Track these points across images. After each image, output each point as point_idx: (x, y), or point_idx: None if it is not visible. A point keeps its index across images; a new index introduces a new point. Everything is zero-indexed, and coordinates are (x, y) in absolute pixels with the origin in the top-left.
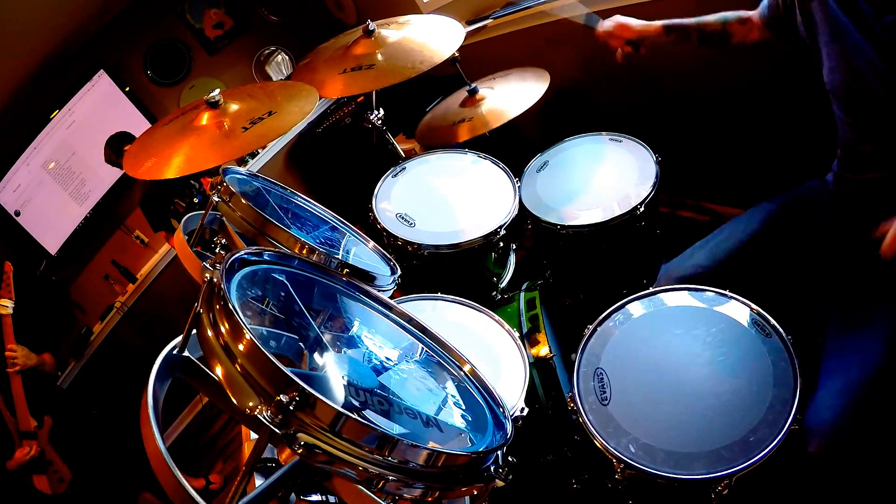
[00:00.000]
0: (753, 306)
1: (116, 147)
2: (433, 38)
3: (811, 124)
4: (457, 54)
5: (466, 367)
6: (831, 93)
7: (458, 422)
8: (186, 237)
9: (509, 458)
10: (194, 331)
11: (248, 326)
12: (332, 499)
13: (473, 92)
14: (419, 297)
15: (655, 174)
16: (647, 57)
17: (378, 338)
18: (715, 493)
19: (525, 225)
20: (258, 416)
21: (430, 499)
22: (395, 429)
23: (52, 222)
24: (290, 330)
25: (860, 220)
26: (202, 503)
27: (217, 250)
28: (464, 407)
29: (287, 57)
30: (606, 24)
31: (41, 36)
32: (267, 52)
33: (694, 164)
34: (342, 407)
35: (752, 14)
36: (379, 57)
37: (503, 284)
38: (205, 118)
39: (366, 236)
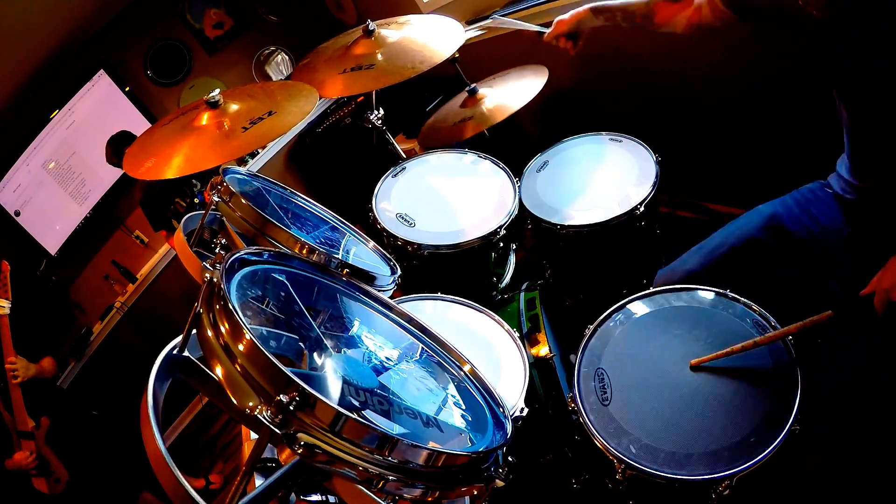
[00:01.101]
0: (754, 306)
1: (117, 148)
2: (433, 38)
3: (811, 124)
4: (457, 54)
5: (466, 367)
6: (840, 97)
7: (458, 422)
8: (186, 237)
9: (509, 458)
10: (194, 331)
11: (248, 326)
12: (332, 499)
13: (473, 92)
14: (419, 297)
15: (655, 174)
16: (645, 56)
17: (378, 338)
18: (716, 493)
19: (525, 225)
20: (258, 416)
21: (430, 499)
22: (395, 429)
23: (52, 222)
24: (290, 330)
25: (865, 227)
26: (202, 503)
27: (217, 250)
28: (464, 407)
29: (287, 57)
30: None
31: (41, 36)
32: (267, 52)
33: (694, 164)
34: (342, 407)
35: None
36: (379, 57)
37: (503, 284)
38: (205, 118)
39: (366, 236)
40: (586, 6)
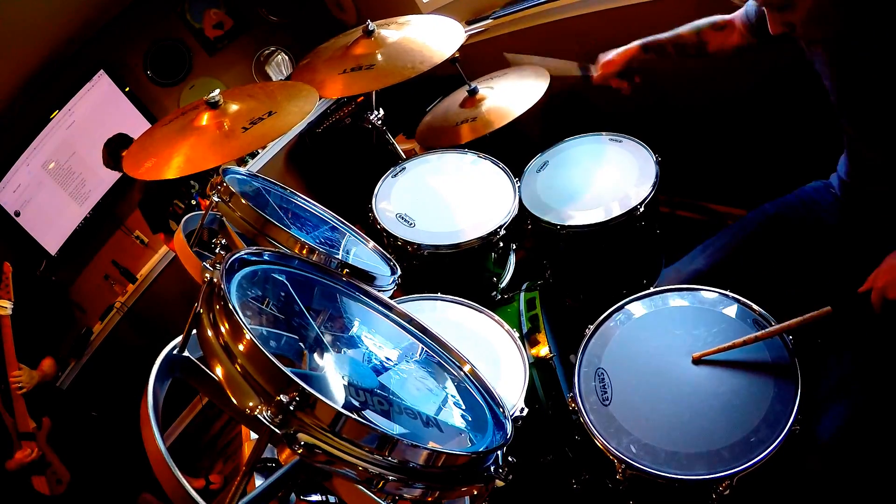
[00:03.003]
0: (754, 306)
1: (114, 151)
2: (433, 38)
3: (811, 124)
4: (457, 54)
5: (466, 367)
6: (835, 105)
7: (458, 422)
8: (186, 237)
9: (509, 458)
10: (194, 331)
11: (248, 326)
12: (332, 499)
13: (473, 92)
14: (419, 297)
15: (655, 174)
16: (646, 63)
17: (378, 338)
18: (716, 493)
19: (525, 225)
20: (258, 416)
21: (430, 499)
22: (395, 429)
23: (52, 222)
24: (290, 330)
25: (866, 227)
26: (202, 503)
27: (217, 250)
28: (464, 407)
29: (287, 57)
30: (595, 70)
31: (42, 36)
32: (267, 52)
33: (694, 164)
34: (342, 407)
35: (734, 17)
36: (379, 57)
37: (503, 284)
38: (205, 118)
39: (366, 236)
40: (635, 43)
